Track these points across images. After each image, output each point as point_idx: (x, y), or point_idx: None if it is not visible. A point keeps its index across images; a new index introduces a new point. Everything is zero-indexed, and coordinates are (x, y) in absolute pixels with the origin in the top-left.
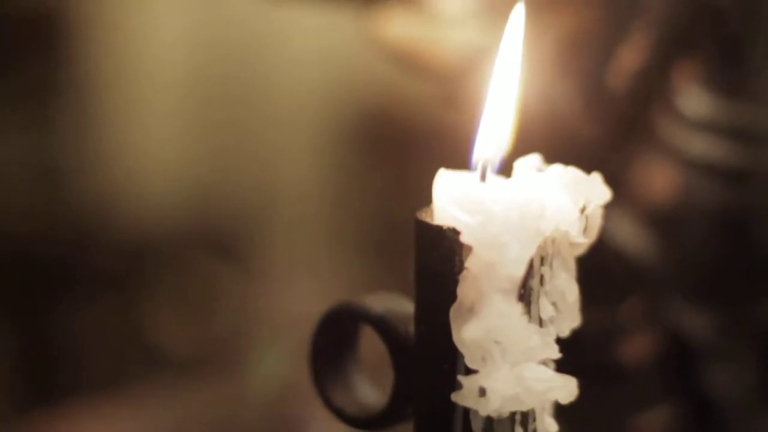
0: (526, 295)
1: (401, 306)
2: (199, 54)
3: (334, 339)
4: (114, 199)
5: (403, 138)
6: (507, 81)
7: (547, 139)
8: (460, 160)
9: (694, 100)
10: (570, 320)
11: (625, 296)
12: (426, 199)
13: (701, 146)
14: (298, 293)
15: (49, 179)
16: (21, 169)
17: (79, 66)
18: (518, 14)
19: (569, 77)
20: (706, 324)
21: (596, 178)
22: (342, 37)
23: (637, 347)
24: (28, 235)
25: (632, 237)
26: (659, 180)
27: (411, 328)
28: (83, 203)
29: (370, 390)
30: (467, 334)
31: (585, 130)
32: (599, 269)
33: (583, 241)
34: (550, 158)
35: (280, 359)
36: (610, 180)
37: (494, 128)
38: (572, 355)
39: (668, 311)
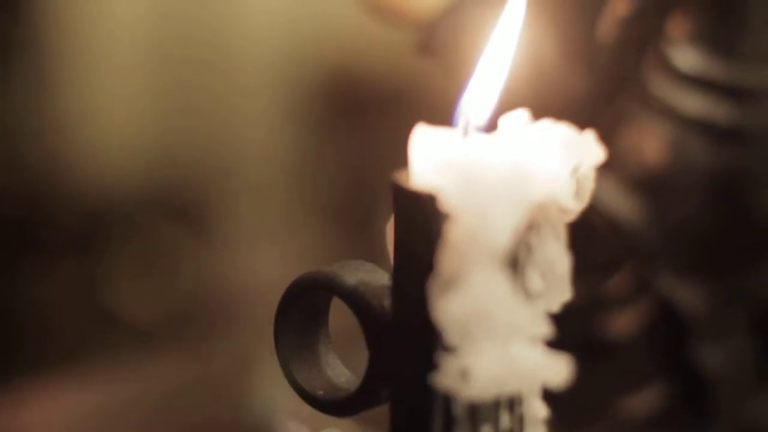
0: (512, 266)
1: (375, 277)
2: (159, 13)
3: (301, 313)
4: (72, 161)
5: (366, 101)
6: (505, 37)
7: (530, 94)
8: (422, 121)
9: (686, 54)
10: (560, 293)
11: (613, 266)
12: (390, 164)
13: (694, 103)
14: (259, 260)
15: (6, 139)
16: None
17: (38, 25)
18: None
19: (554, 28)
20: (699, 296)
21: (588, 136)
22: None
23: (625, 320)
24: None
25: (620, 201)
26: (649, 140)
27: (387, 302)
28: (41, 164)
29: (341, 370)
30: (448, 309)
31: (570, 85)
32: (584, 237)
33: (575, 206)
34: (534, 115)
35: None
36: (597, 140)
37: (483, 82)
38: (557, 329)
39: (659, 282)
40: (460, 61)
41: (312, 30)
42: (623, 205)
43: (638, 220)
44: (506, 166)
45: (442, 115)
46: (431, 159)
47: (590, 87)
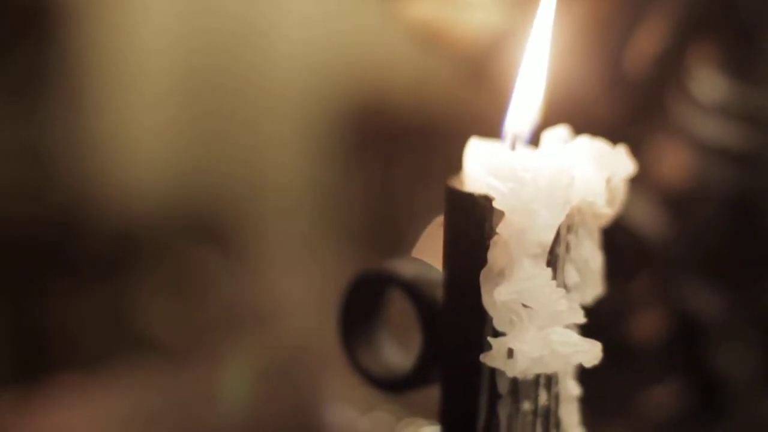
0: (552, 261)
1: (428, 271)
2: (189, 42)
3: (362, 302)
4: (103, 185)
5: (394, 128)
6: (539, 56)
7: (565, 119)
8: (448, 150)
9: (708, 84)
10: (593, 288)
11: (636, 275)
12: (417, 189)
13: (714, 130)
14: (285, 281)
15: (40, 165)
16: (12, 155)
17: (70, 53)
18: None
19: (588, 60)
20: (715, 304)
21: (621, 151)
22: (331, 28)
23: (645, 325)
24: (18, 219)
25: (644, 217)
26: (672, 161)
27: (439, 293)
28: (73, 189)
29: (396, 353)
30: (498, 297)
31: (601, 112)
32: (610, 247)
33: (608, 212)
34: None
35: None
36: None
37: (525, 100)
38: (581, 332)
39: (678, 290)
40: (509, 89)
41: (340, 58)
42: (646, 219)
43: (660, 234)
44: (549, 174)
45: (464, 144)
46: (485, 166)
47: (618, 114)
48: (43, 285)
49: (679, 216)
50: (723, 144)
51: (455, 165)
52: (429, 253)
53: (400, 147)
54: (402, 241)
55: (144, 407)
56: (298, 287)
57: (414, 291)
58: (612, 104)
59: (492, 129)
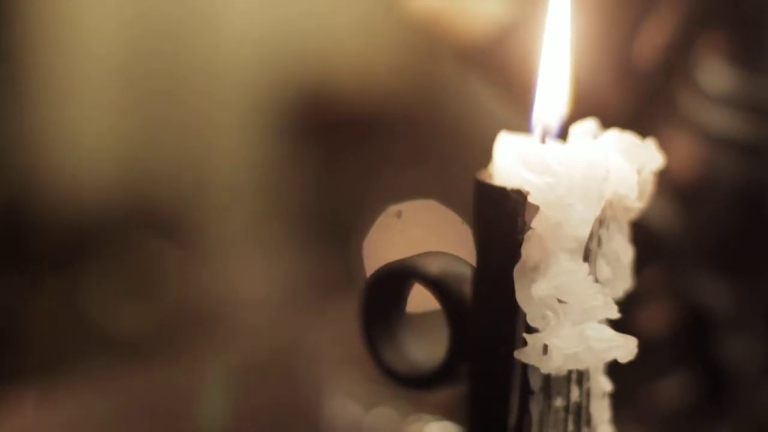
0: (585, 256)
1: (454, 265)
2: (135, 27)
3: (385, 298)
4: (50, 175)
5: (342, 117)
6: (559, 48)
7: (574, 111)
8: (395, 138)
9: (716, 75)
10: (623, 282)
11: (644, 266)
12: (365, 177)
13: (722, 121)
14: (236, 270)
15: None
16: None
17: (14, 38)
18: None
19: (596, 51)
20: (723, 295)
21: (651, 144)
22: (278, 14)
23: (653, 317)
24: None
25: (652, 208)
26: (680, 153)
27: (467, 288)
28: (19, 178)
29: (419, 350)
30: (536, 292)
31: (609, 103)
32: None
33: (638, 205)
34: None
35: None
36: None
37: (552, 93)
38: None
39: (685, 282)
40: (515, 78)
41: (287, 44)
42: (654, 210)
43: (667, 225)
44: (584, 168)
45: (414, 133)
46: (519, 160)
47: (626, 103)
48: None
49: (686, 207)
50: (731, 135)
51: (403, 152)
52: (382, 242)
53: (347, 134)
54: (351, 227)
55: (99, 406)
56: (249, 274)
57: (441, 287)
58: (620, 96)
59: (441, 118)
